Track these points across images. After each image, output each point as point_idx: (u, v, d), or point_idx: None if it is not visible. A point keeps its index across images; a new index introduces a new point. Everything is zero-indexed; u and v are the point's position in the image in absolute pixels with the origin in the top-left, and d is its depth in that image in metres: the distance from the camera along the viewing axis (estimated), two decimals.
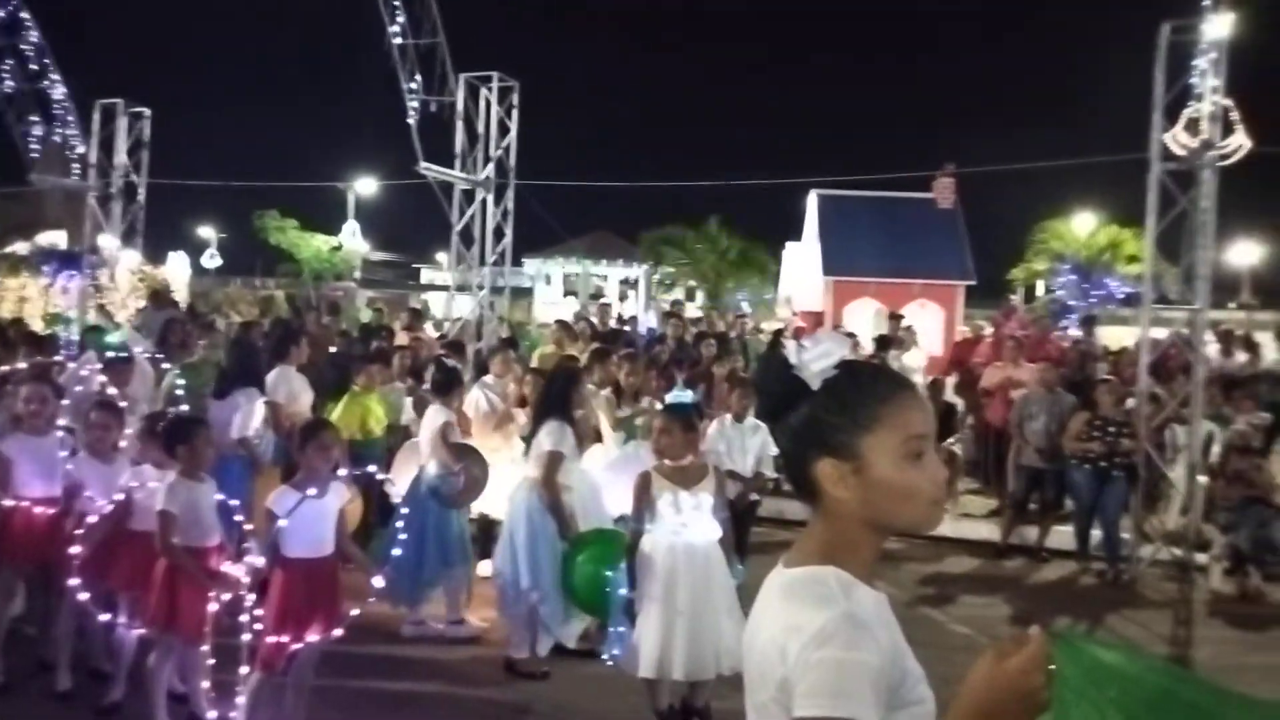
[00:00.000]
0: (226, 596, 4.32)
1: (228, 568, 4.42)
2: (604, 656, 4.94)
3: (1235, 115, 8.25)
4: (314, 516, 4.31)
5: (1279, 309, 30.44)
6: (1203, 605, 7.48)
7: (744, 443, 6.64)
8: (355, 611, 4.47)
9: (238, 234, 35.16)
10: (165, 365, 7.50)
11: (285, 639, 4.20)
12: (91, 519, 4.69)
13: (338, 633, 4.40)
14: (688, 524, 4.53)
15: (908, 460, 1.43)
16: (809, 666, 1.31)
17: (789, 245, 25.07)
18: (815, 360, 1.46)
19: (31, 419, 4.97)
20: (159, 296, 14.72)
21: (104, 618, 4.69)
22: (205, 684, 4.46)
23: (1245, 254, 30.12)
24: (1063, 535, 8.52)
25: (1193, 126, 8.31)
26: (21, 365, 6.19)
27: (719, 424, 6.76)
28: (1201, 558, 8.02)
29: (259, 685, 4.28)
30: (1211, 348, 10.51)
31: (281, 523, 4.20)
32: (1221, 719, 1.30)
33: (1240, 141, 8.27)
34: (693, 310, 19.95)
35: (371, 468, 5.63)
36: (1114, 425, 8.25)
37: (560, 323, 11.84)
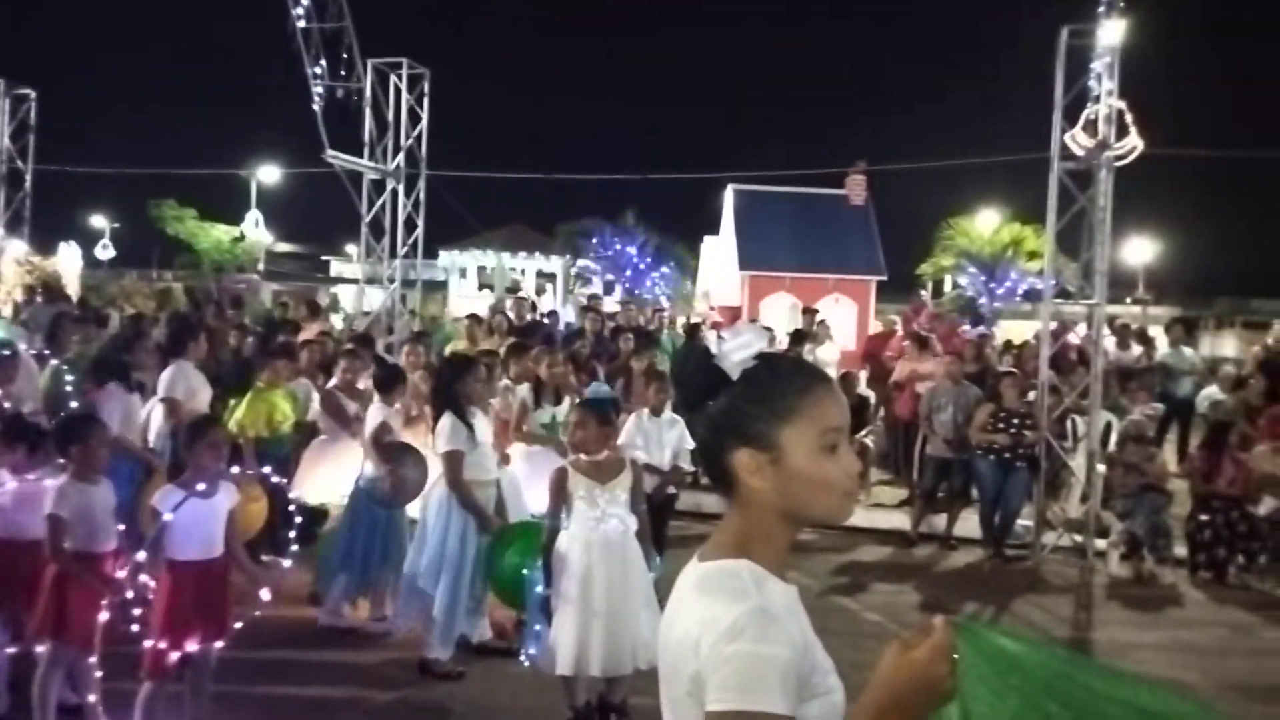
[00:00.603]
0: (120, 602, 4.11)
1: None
2: (521, 656, 4.87)
3: (1129, 117, 8.60)
4: (204, 517, 4.12)
5: (1173, 304, 32.10)
6: (1101, 589, 7.80)
7: (661, 436, 6.64)
8: (257, 613, 4.28)
9: (133, 224, 33.76)
10: (53, 362, 7.12)
11: (169, 644, 4.00)
12: None
13: (220, 643, 4.21)
14: (604, 519, 4.49)
15: (823, 452, 1.45)
16: (721, 661, 1.32)
17: (707, 240, 25.23)
18: (735, 351, 1.47)
19: None
20: (49, 289, 14.00)
21: None
22: (92, 697, 4.23)
23: (1140, 251, 31.53)
24: (971, 523, 8.77)
25: (1090, 128, 8.63)
26: None
27: (636, 418, 6.73)
28: (1100, 543, 8.36)
29: (151, 694, 4.07)
30: (1109, 341, 10.96)
31: (167, 516, 4.00)
32: (1112, 699, 1.35)
33: (1134, 143, 8.63)
34: (611, 304, 19.89)
35: (266, 469, 5.41)
36: (1017, 417, 8.51)
37: (471, 316, 11.66)
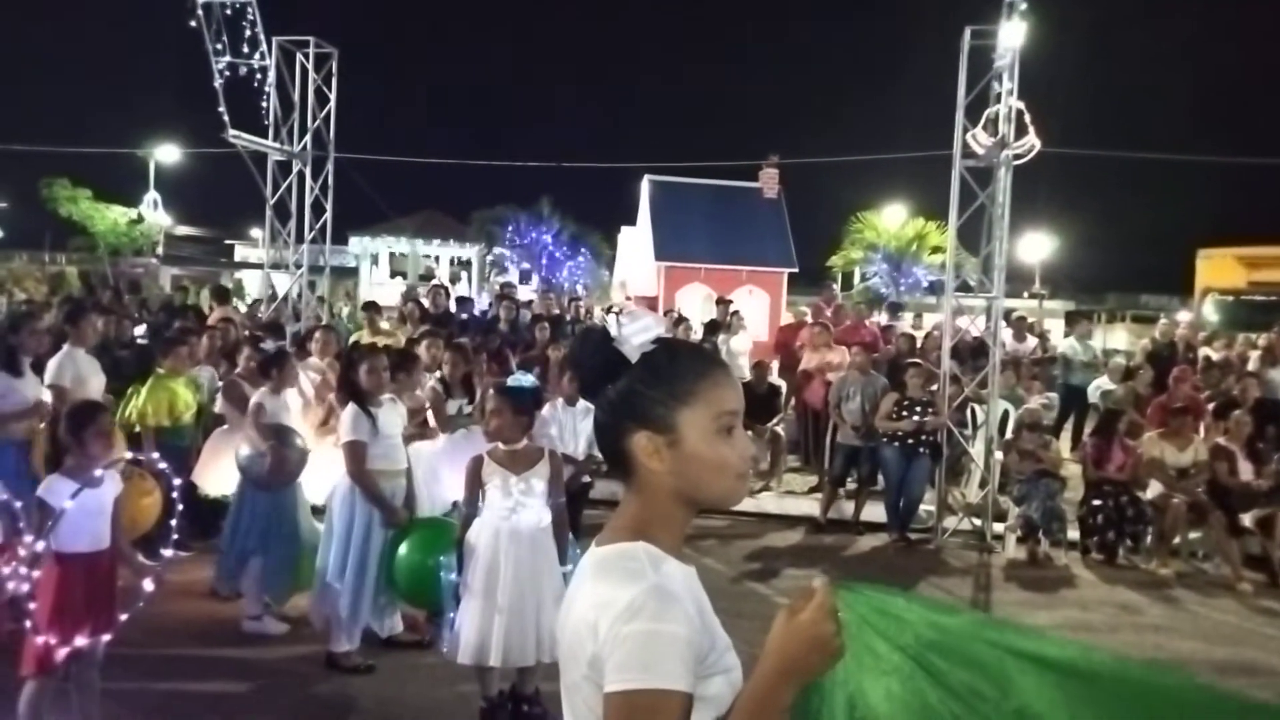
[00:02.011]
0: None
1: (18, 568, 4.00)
2: (441, 646, 4.81)
3: (1028, 117, 8.92)
4: (92, 508, 3.95)
5: (1067, 299, 33.42)
6: (999, 570, 8.11)
7: (576, 426, 6.65)
8: (141, 605, 4.10)
9: (23, 204, 32.04)
10: None
11: (56, 639, 3.83)
12: None
13: (108, 637, 4.04)
14: (516, 509, 4.47)
15: (719, 435, 1.47)
16: (619, 640, 1.33)
17: (624, 230, 25.28)
18: (635, 334, 1.48)
19: None
20: None
21: None
22: None
23: (1037, 247, 32.77)
24: (878, 509, 9.01)
25: (991, 126, 8.93)
26: None
27: (551, 407, 6.72)
28: (998, 527, 8.69)
29: (36, 691, 3.90)
30: (1006, 333, 11.38)
31: (68, 503, 3.81)
32: (992, 644, 1.40)
33: (1032, 142, 8.95)
34: (527, 293, 19.77)
35: (157, 458, 5.22)
36: (920, 405, 8.78)
37: (369, 305, 11.43)
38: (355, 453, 5.19)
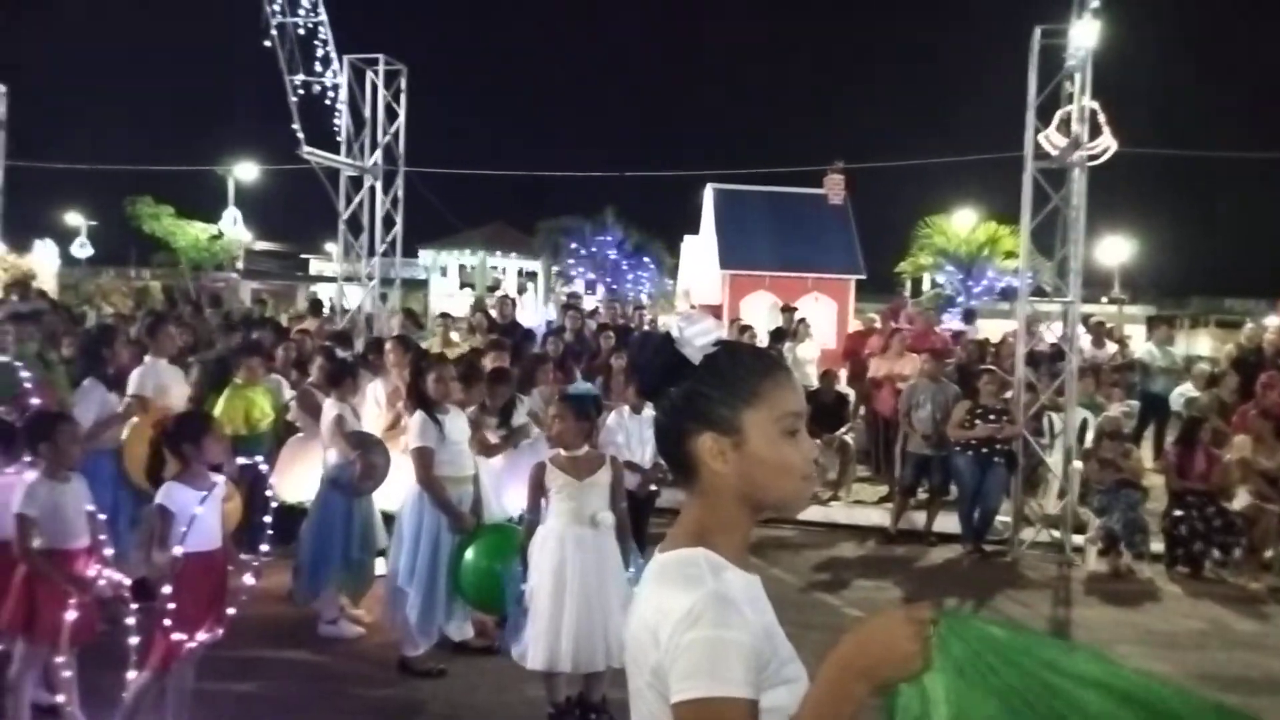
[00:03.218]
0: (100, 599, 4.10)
1: (106, 572, 4.18)
2: (510, 652, 4.85)
3: (1102, 117, 8.68)
4: (207, 508, 4.12)
5: (1148, 304, 32.41)
6: (1079, 584, 7.86)
7: (642, 434, 6.65)
8: (231, 611, 4.26)
9: (110, 221, 33.32)
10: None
11: (182, 636, 3.98)
12: None
13: (220, 632, 4.20)
14: (580, 515, 4.48)
15: (784, 436, 1.46)
16: (681, 649, 1.31)
17: (687, 239, 25.27)
18: (698, 336, 1.47)
19: None
20: (24, 288, 13.83)
21: None
22: (60, 697, 4.19)
23: (1115, 250, 31.84)
24: (950, 520, 8.82)
25: (1064, 127, 8.71)
26: None
27: (617, 415, 6.74)
28: (1077, 539, 8.43)
29: (146, 685, 4.04)
30: (1084, 339, 11.06)
31: (198, 509, 3.99)
32: (1095, 685, 1.31)
33: (1107, 143, 8.71)
34: (593, 302, 19.89)
35: (245, 460, 5.40)
36: (994, 413, 8.57)
37: (444, 315, 11.65)
38: (424, 459, 5.27)
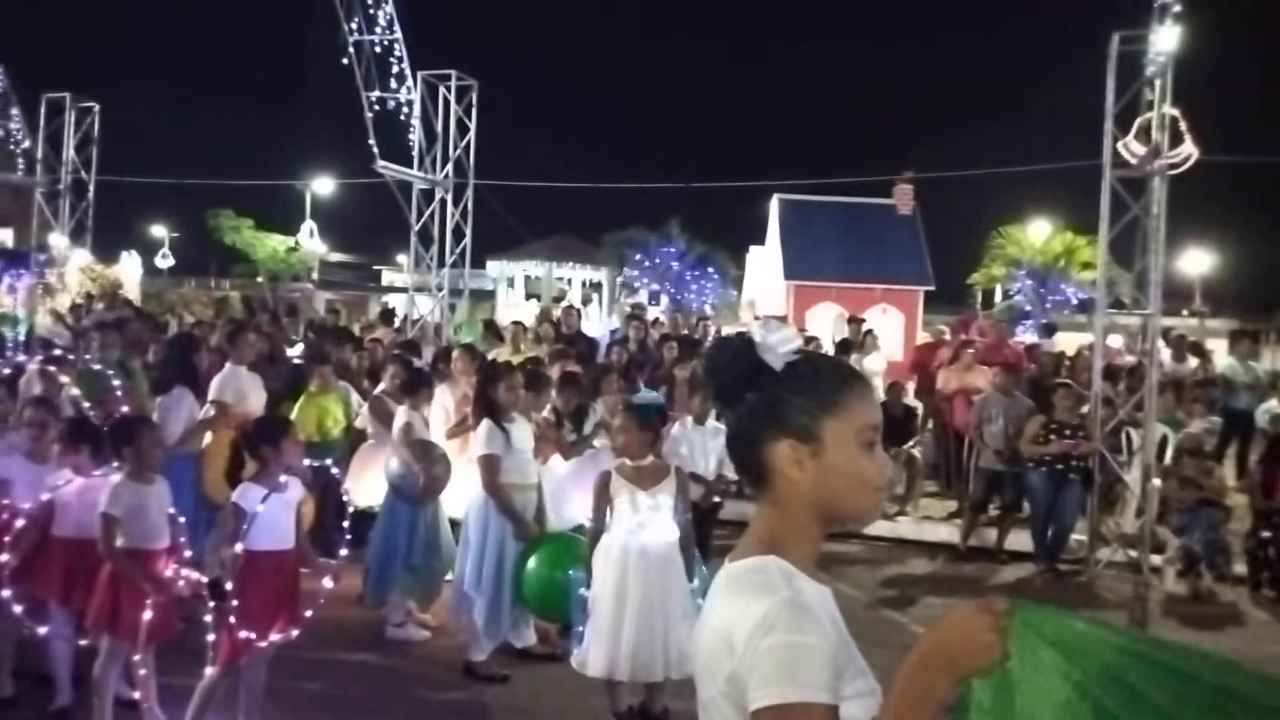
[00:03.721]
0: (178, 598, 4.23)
1: (184, 571, 4.32)
2: (571, 659, 4.88)
3: (1183, 125, 8.42)
4: (278, 509, 4.24)
5: (1231, 317, 31.24)
6: (1157, 605, 7.60)
7: (705, 445, 6.63)
8: (308, 613, 4.37)
9: (192, 233, 34.57)
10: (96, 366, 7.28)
11: (249, 634, 4.10)
12: (20, 522, 4.55)
13: (295, 633, 4.31)
14: (644, 525, 4.49)
15: (862, 449, 1.46)
16: (758, 655, 1.31)
17: (752, 249, 25.15)
18: (781, 344, 1.47)
19: (33, 442, 4.86)
20: (112, 297, 14.41)
21: (39, 628, 4.55)
22: (137, 694, 4.33)
23: (1197, 262, 30.80)
24: (1022, 538, 8.61)
25: (1143, 135, 8.47)
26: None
27: (680, 426, 6.73)
28: (1156, 559, 8.15)
29: (215, 681, 4.16)
30: (1164, 353, 10.71)
31: (259, 507, 4.12)
32: (1192, 678, 1.26)
33: (1189, 151, 8.44)
34: (656, 313, 19.91)
35: (328, 461, 5.53)
36: (1069, 429, 8.35)
37: (515, 323, 11.75)
38: (490, 466, 5.34)
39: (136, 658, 4.25)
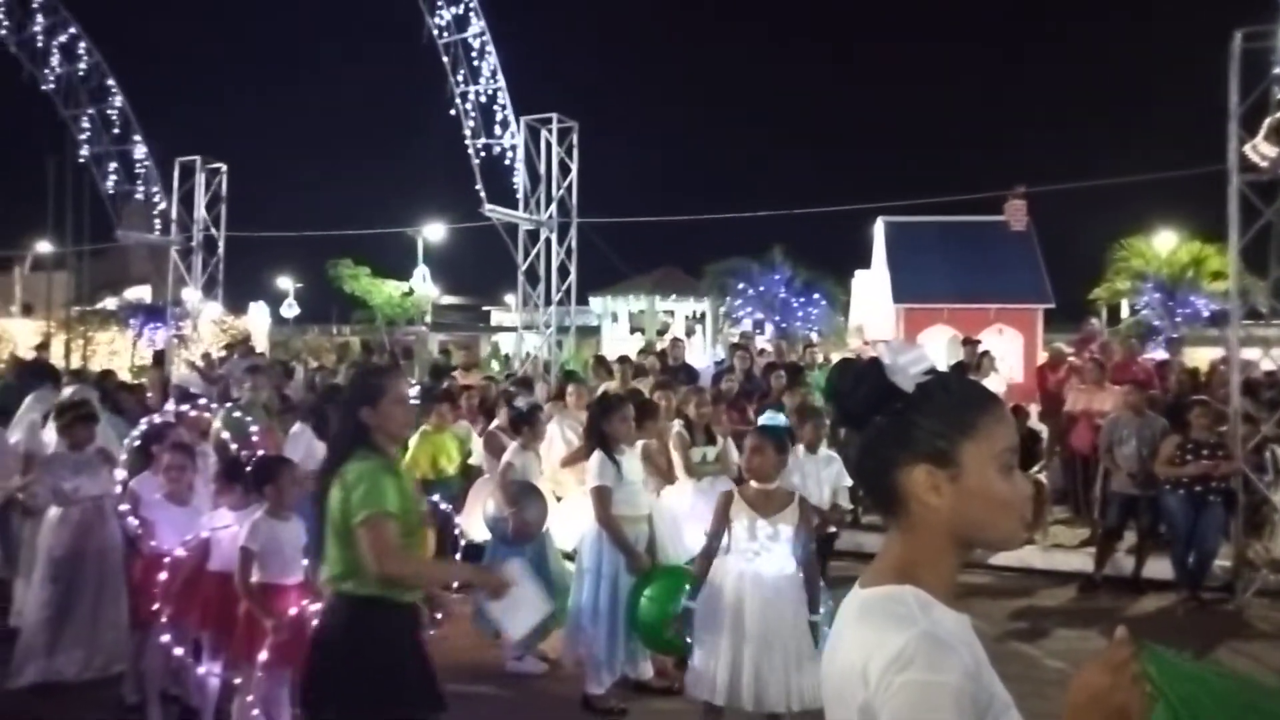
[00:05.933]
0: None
1: (313, 608, 4.47)
2: (686, 685, 4.81)
3: None
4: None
5: None
6: None
7: (819, 474, 6.50)
8: (432, 633, 4.43)
9: (314, 283, 36.15)
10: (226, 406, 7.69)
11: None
12: (166, 560, 4.80)
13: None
14: (759, 553, 4.41)
15: (1001, 472, 1.41)
16: (892, 692, 1.27)
17: (858, 274, 24.77)
18: (912, 364, 1.42)
19: (172, 485, 5.16)
20: (245, 346, 15.21)
21: (186, 659, 4.78)
22: None
23: None
24: (1161, 565, 8.13)
25: (1273, 136, 8.03)
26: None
27: (793, 455, 6.62)
28: None
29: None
30: None
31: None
32: None
33: None
34: (762, 342, 19.78)
35: (435, 497, 5.67)
36: (1208, 448, 7.87)
37: (622, 358, 11.84)
38: (602, 498, 5.37)
39: (253, 689, 4.37)
